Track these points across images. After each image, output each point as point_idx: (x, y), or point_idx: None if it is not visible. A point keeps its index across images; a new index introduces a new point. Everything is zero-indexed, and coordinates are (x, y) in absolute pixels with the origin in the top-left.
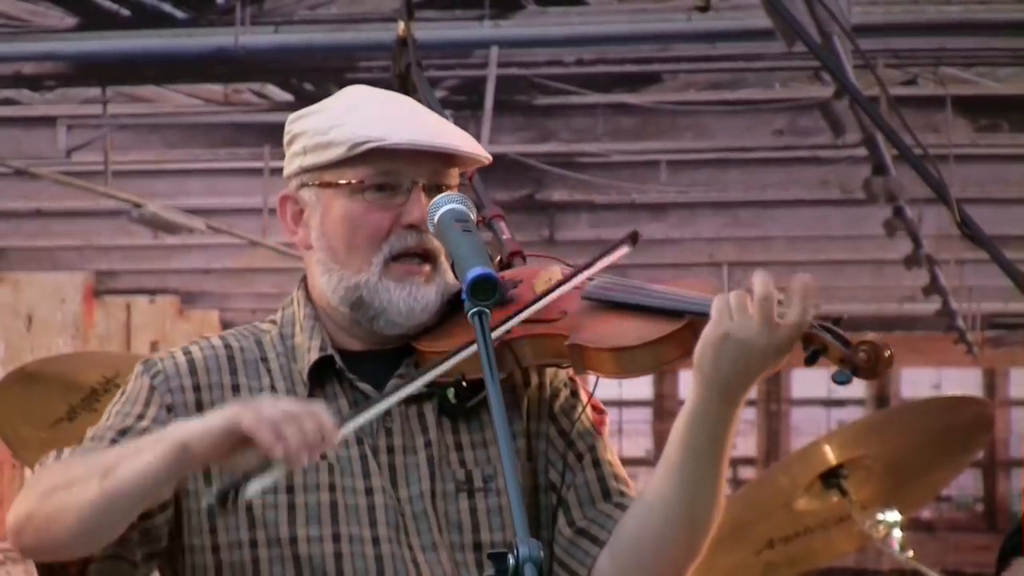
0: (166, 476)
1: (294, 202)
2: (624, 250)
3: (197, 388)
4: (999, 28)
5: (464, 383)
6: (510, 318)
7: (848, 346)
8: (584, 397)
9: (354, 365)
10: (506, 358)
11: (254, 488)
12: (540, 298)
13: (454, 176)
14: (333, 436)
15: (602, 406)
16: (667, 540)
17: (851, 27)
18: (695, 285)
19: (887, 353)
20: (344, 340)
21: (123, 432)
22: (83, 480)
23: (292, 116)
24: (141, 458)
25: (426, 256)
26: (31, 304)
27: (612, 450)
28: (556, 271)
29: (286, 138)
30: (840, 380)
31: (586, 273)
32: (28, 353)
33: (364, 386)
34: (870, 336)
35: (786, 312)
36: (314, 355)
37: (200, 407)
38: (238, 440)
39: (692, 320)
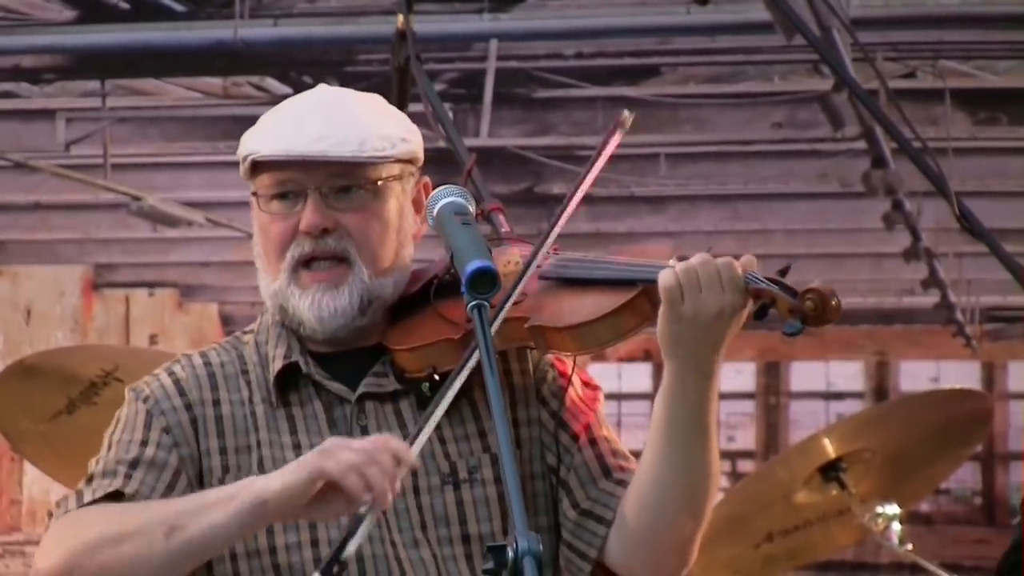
0: (240, 532)
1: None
2: (617, 138)
3: (189, 407)
4: (998, 21)
5: (436, 376)
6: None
7: (795, 296)
8: (569, 374)
9: (326, 367)
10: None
11: (352, 547)
12: (521, 277)
13: (368, 173)
14: (409, 458)
15: (594, 381)
16: (669, 516)
17: (850, 20)
18: (650, 251)
19: (834, 301)
20: (311, 343)
21: (134, 464)
22: (140, 535)
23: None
24: (212, 515)
25: (335, 259)
26: (30, 297)
27: (608, 426)
28: (514, 252)
29: None
30: (790, 332)
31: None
32: (27, 346)
33: (336, 386)
34: (816, 282)
35: (718, 266)
36: (278, 363)
37: (195, 424)
38: (319, 491)
39: (645, 287)
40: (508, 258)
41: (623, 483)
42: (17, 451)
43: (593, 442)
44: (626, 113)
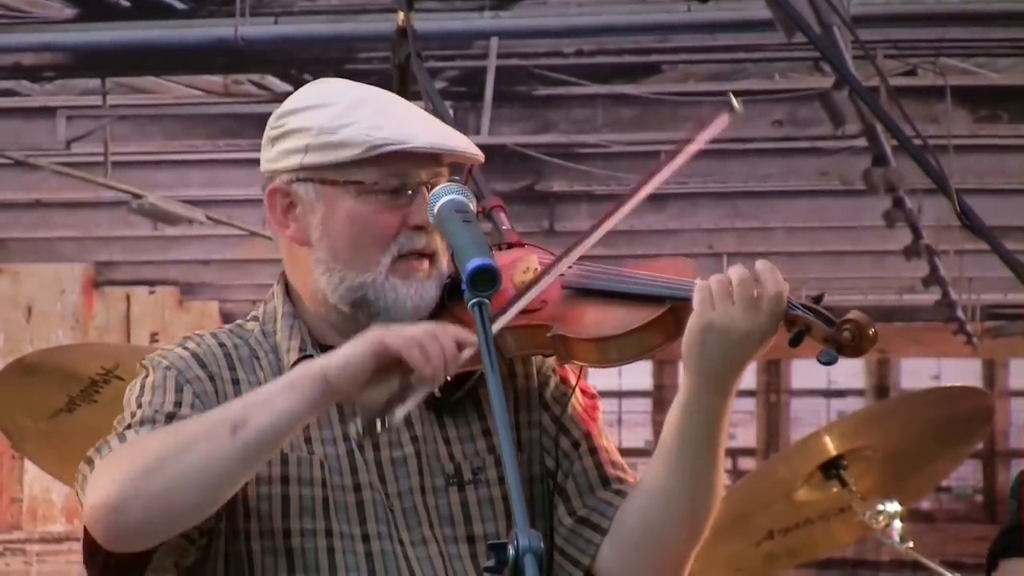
0: (308, 414)
1: (284, 195)
2: (725, 119)
3: (212, 378)
4: (998, 19)
5: (447, 378)
6: (503, 311)
7: (831, 325)
8: (573, 382)
9: None
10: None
11: (400, 414)
12: (535, 282)
13: (444, 171)
14: (472, 339)
15: (592, 390)
16: (669, 530)
17: (851, 18)
18: (672, 267)
19: (871, 331)
20: (327, 336)
21: (170, 417)
22: (204, 439)
23: (281, 111)
24: (275, 404)
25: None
26: (31, 295)
27: (607, 435)
28: (533, 259)
29: (275, 132)
30: (825, 360)
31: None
32: (28, 344)
33: None
34: (853, 314)
35: (761, 290)
36: (294, 355)
37: (217, 395)
38: (379, 368)
39: (674, 305)
40: (527, 264)
41: (621, 493)
42: (18, 449)
43: (593, 451)
44: (735, 102)
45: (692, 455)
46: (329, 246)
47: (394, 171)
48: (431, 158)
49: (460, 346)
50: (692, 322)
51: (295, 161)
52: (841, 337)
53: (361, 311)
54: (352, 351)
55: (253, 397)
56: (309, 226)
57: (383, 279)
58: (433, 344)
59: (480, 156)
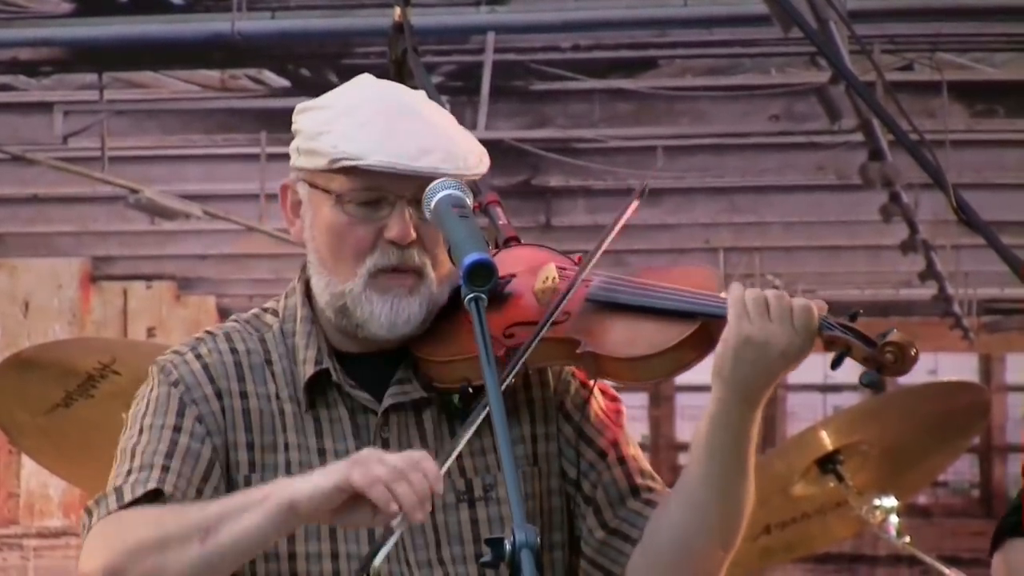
0: (272, 535)
1: (294, 192)
2: (634, 206)
3: (219, 395)
4: (995, 14)
5: (471, 389)
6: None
7: (872, 346)
8: (592, 385)
9: (350, 369)
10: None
11: (381, 557)
12: (561, 301)
13: None
14: (438, 483)
15: (614, 392)
16: (701, 541)
17: (847, 13)
18: (696, 277)
19: (913, 351)
20: (340, 342)
21: (169, 455)
22: (179, 541)
23: (299, 106)
24: (244, 519)
25: (410, 270)
26: (28, 290)
27: (634, 442)
28: (551, 268)
29: (293, 127)
30: (867, 382)
31: (599, 252)
32: (25, 339)
33: (361, 395)
34: (895, 335)
35: (792, 304)
36: (310, 368)
37: (224, 414)
38: (347, 498)
39: (705, 322)
40: (547, 273)
41: (651, 503)
42: (15, 444)
43: (622, 460)
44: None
45: (722, 466)
46: (316, 249)
47: (367, 185)
48: (414, 176)
49: (431, 484)
50: (728, 335)
51: (293, 160)
52: (884, 359)
53: (344, 319)
54: (319, 482)
55: (227, 505)
56: (305, 225)
57: (360, 291)
58: (400, 483)
59: (472, 173)
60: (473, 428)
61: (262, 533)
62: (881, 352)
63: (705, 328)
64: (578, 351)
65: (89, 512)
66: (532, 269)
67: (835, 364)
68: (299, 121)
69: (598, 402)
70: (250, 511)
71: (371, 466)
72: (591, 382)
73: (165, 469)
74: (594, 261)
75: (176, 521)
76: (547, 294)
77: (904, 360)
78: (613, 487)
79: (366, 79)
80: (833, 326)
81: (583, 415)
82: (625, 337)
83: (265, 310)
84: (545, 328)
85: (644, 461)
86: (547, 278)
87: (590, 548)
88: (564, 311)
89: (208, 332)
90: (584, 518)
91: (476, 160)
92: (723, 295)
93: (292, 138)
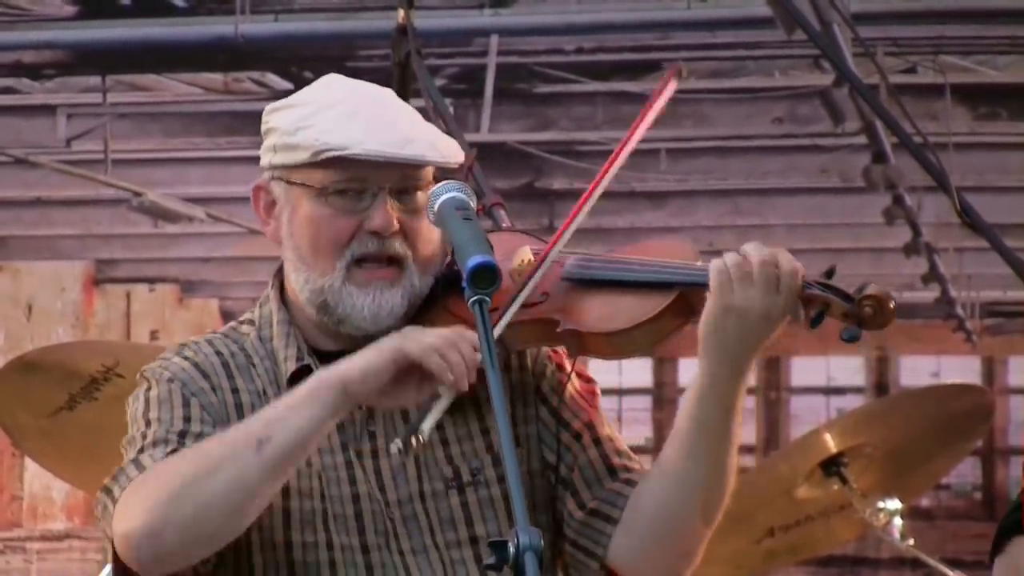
0: (330, 423)
1: (267, 192)
2: (673, 86)
3: (214, 389)
4: (998, 16)
5: (469, 383)
6: (504, 307)
7: (850, 301)
8: (568, 367)
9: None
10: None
11: (429, 423)
12: (530, 277)
13: (425, 175)
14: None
15: (589, 373)
16: (685, 514)
17: (851, 15)
18: (672, 248)
19: (891, 303)
20: (319, 340)
21: (183, 435)
22: (231, 459)
23: (269, 107)
24: (298, 416)
25: (390, 260)
26: (31, 293)
27: (608, 423)
28: (526, 250)
29: (263, 127)
30: (848, 337)
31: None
32: (28, 342)
33: None
34: (872, 288)
35: (778, 270)
36: (291, 365)
37: (221, 406)
38: (398, 375)
39: (683, 291)
40: (521, 256)
41: (630, 483)
42: (18, 447)
43: (597, 441)
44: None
45: (707, 438)
46: (294, 246)
47: (350, 176)
48: (394, 164)
49: (476, 349)
50: (711, 304)
51: (268, 159)
52: (863, 312)
53: (325, 315)
54: (370, 359)
55: (272, 411)
56: (281, 224)
57: (340, 285)
58: (452, 351)
59: (453, 161)
60: (525, 293)
61: (319, 423)
62: (860, 306)
63: (684, 297)
64: (558, 330)
65: (108, 490)
66: (508, 253)
67: (815, 323)
68: (272, 120)
69: (574, 385)
70: (301, 407)
71: (423, 337)
72: (567, 366)
73: (181, 444)
74: (569, 231)
75: (220, 445)
76: (524, 277)
77: (883, 313)
78: (589, 468)
79: (334, 78)
80: (811, 284)
81: (560, 398)
82: (604, 312)
83: (241, 322)
84: (526, 290)
85: (621, 441)
86: (522, 262)
87: (571, 530)
88: (542, 291)
89: (193, 341)
90: (563, 501)
91: (455, 149)
92: (699, 264)
93: None
